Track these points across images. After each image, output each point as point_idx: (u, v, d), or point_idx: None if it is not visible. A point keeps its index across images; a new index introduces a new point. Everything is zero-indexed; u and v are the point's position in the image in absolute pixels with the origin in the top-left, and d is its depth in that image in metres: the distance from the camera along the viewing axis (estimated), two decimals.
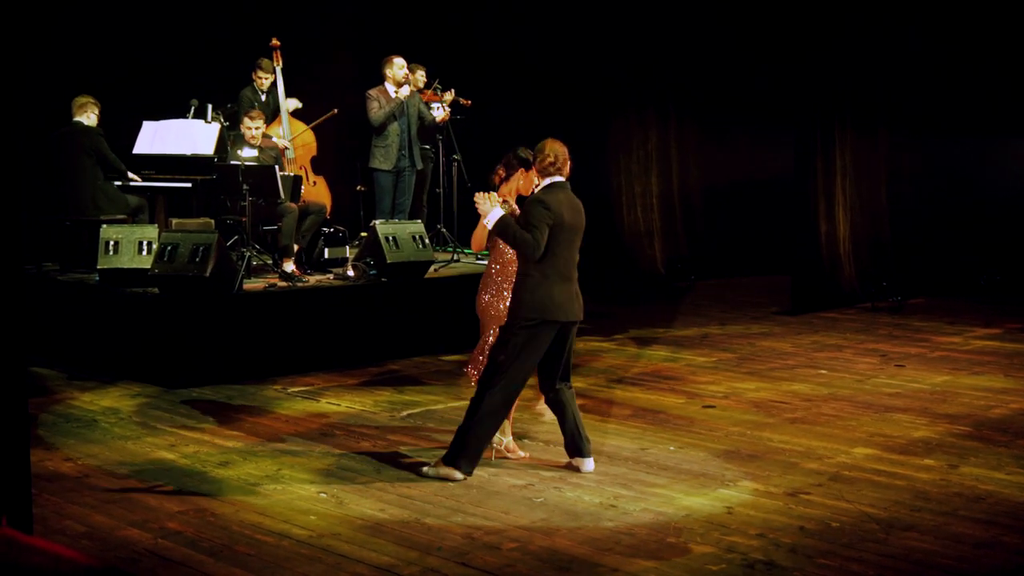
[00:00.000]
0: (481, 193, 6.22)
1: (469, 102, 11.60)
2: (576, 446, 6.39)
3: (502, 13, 13.63)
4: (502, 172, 6.58)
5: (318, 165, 11.31)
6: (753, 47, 14.33)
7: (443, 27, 13.53)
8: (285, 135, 10.82)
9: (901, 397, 8.17)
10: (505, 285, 6.43)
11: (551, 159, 6.14)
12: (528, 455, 6.64)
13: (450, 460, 6.18)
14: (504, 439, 6.58)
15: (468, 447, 6.15)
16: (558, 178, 6.17)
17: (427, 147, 11.49)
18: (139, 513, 5.70)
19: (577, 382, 8.52)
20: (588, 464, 6.40)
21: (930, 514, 5.64)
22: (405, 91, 10.83)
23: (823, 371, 9.10)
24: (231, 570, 4.97)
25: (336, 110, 11.09)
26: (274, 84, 11.05)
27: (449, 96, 11.39)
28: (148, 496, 5.98)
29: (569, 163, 6.22)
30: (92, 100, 10.09)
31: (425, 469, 6.26)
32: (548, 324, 6.09)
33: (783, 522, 5.54)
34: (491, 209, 6.13)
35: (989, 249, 13.11)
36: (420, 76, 11.37)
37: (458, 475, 6.14)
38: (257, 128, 10.13)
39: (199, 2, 11.95)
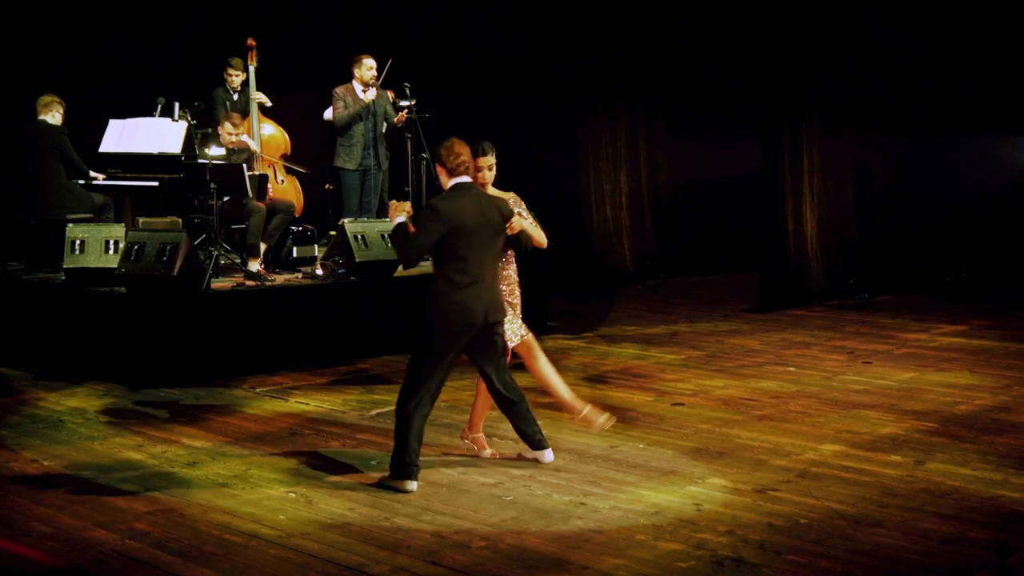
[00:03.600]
0: (393, 202, 6.22)
1: (407, 107, 11.35)
2: (532, 439, 6.44)
3: (471, 10, 13.62)
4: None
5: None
6: (721, 44, 14.40)
7: (412, 22, 13.51)
8: (255, 136, 10.77)
9: (868, 394, 8.22)
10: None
11: (463, 157, 6.07)
12: (496, 453, 6.65)
13: (397, 475, 6.05)
14: (474, 435, 6.62)
15: (406, 460, 6.02)
16: (464, 178, 6.09)
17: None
18: (106, 514, 5.66)
19: None
20: (546, 456, 6.45)
21: (897, 510, 5.68)
22: (372, 93, 10.79)
23: (791, 368, 9.15)
24: (199, 571, 4.94)
25: (307, 170, 11.17)
26: (245, 83, 11.00)
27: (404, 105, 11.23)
28: (115, 497, 5.94)
29: (472, 164, 6.16)
30: (57, 99, 10.04)
31: (383, 479, 6.13)
32: (461, 328, 6.00)
33: (752, 519, 5.56)
34: (396, 218, 6.11)
35: (956, 247, 13.20)
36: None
37: (411, 485, 6.02)
38: (239, 135, 10.15)
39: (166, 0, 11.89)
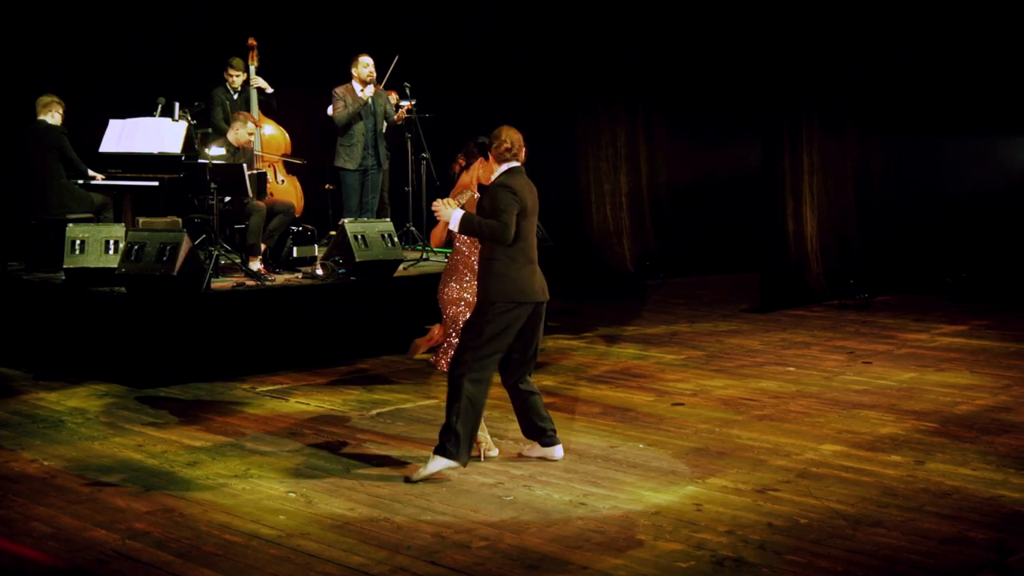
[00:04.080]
0: (438, 200, 6.27)
1: (408, 106, 11.36)
2: (544, 434, 6.46)
3: (471, 10, 13.62)
4: (462, 161, 6.67)
5: (291, 164, 11.26)
6: (721, 44, 14.39)
7: (413, 22, 13.51)
8: (255, 135, 10.77)
9: (868, 394, 8.22)
10: (469, 273, 6.46)
11: (507, 145, 6.17)
12: (500, 451, 6.65)
13: (444, 451, 6.08)
14: (482, 435, 6.60)
15: (461, 436, 6.07)
16: (515, 163, 6.21)
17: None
18: (106, 514, 5.66)
19: (546, 380, 8.57)
20: (558, 452, 6.48)
21: (897, 510, 5.68)
22: (370, 91, 10.80)
23: (791, 368, 9.15)
24: (200, 571, 4.94)
25: (305, 161, 11.15)
26: (246, 83, 11.01)
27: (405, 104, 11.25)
28: (115, 497, 5.94)
29: (524, 149, 6.25)
30: (56, 99, 10.04)
31: (415, 476, 6.14)
32: (522, 307, 6.12)
33: (752, 519, 5.56)
34: (451, 212, 6.16)
35: (956, 247, 13.21)
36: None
37: (454, 463, 6.09)
38: (254, 135, 10.22)
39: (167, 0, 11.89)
